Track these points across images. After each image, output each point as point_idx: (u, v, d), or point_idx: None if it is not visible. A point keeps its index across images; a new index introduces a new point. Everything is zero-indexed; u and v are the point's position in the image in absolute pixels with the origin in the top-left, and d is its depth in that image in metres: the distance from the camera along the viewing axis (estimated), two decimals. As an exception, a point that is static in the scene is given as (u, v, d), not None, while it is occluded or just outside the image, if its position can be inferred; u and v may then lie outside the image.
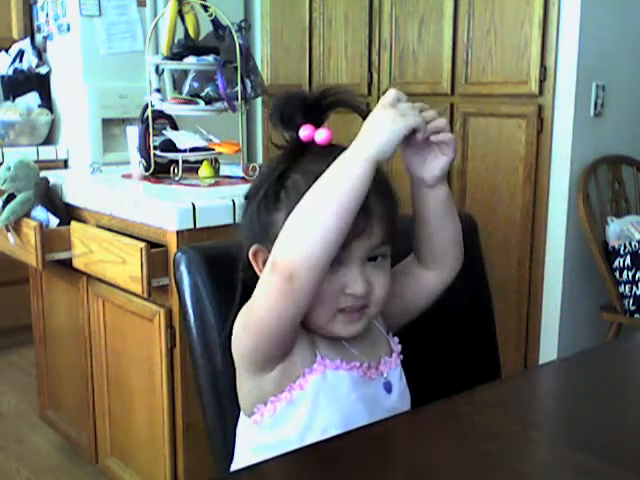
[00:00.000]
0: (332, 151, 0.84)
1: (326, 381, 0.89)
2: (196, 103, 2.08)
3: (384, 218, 0.88)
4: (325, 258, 0.79)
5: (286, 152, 0.91)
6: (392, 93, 0.83)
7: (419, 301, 1.01)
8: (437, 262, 0.97)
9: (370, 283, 0.88)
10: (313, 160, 0.87)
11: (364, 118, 0.85)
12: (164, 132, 2.11)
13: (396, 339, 1.01)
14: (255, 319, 0.85)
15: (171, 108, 2.11)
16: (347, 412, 0.89)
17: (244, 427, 0.95)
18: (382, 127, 0.80)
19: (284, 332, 0.85)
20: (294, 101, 0.88)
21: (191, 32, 2.12)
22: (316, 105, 0.88)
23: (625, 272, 2.42)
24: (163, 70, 2.17)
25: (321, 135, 0.87)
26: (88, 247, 1.92)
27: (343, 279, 0.87)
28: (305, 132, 0.88)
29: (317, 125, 0.88)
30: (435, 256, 0.97)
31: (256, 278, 0.87)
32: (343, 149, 0.84)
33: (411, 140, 0.84)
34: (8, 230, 2.11)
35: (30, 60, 3.50)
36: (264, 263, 0.88)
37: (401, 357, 0.99)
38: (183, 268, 1.02)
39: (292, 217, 0.80)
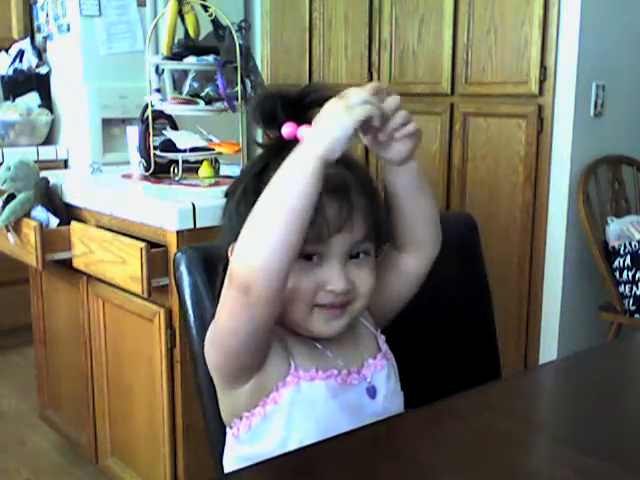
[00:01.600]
0: None
1: (301, 393, 0.86)
2: (196, 103, 2.08)
3: (366, 213, 0.86)
4: (282, 267, 0.76)
5: (267, 149, 0.89)
6: (352, 89, 0.78)
7: (403, 290, 0.98)
8: (415, 243, 0.94)
9: (352, 280, 0.86)
10: None
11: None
12: (164, 132, 2.10)
13: (383, 337, 0.98)
14: (220, 333, 0.83)
15: (171, 108, 2.11)
16: (326, 423, 0.86)
17: (227, 437, 0.94)
18: (329, 123, 0.76)
19: (250, 345, 0.82)
20: (275, 98, 0.86)
21: (191, 32, 2.12)
22: (298, 102, 0.86)
23: (625, 272, 2.42)
24: (163, 70, 2.17)
25: (303, 132, 0.85)
26: (88, 247, 1.92)
27: (323, 275, 0.84)
28: (287, 129, 0.86)
29: (300, 123, 0.86)
30: (412, 237, 0.94)
31: None
32: None
33: (368, 131, 0.81)
34: (8, 230, 2.11)
35: (30, 60, 3.50)
36: None
37: (389, 356, 0.96)
38: (183, 268, 1.02)
39: (246, 225, 0.77)
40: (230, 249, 0.88)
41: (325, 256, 0.85)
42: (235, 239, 0.87)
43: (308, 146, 0.76)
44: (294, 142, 0.85)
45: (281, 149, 0.86)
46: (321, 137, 0.76)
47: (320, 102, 0.87)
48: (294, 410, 0.86)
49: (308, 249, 0.83)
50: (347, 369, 0.90)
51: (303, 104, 0.87)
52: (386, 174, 0.90)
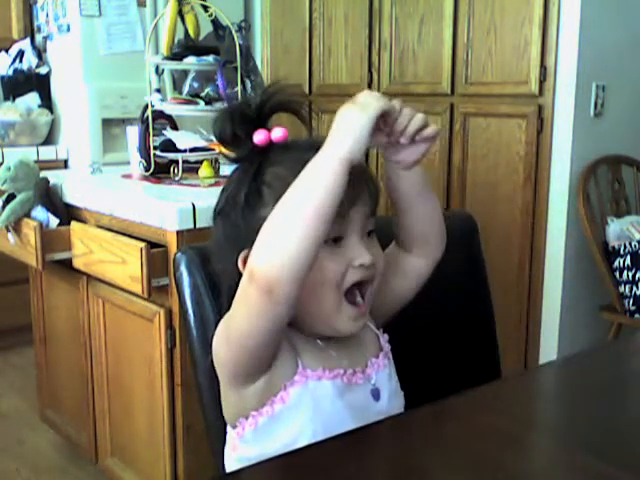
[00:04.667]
0: (294, 143, 0.85)
1: (308, 392, 0.87)
2: (196, 103, 2.08)
3: (369, 185, 0.88)
4: (304, 268, 0.77)
5: (246, 159, 0.89)
6: (363, 92, 0.81)
7: (405, 290, 0.99)
8: (421, 244, 0.96)
9: (373, 255, 0.87)
10: (283, 152, 0.87)
11: (300, 118, 0.88)
12: (164, 132, 2.10)
13: (386, 336, 0.99)
14: (236, 333, 0.83)
15: (171, 108, 2.11)
16: (332, 422, 0.87)
17: (230, 437, 0.93)
18: (348, 125, 0.78)
19: (266, 344, 0.83)
20: (230, 120, 0.87)
21: (191, 32, 2.12)
22: (257, 115, 0.88)
23: (625, 272, 2.42)
24: (163, 70, 2.17)
25: (277, 133, 0.88)
26: (88, 247, 1.92)
27: (349, 252, 0.86)
28: (260, 136, 0.87)
29: (265, 126, 0.88)
30: (418, 238, 0.96)
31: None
32: (306, 141, 0.87)
33: (383, 132, 0.82)
34: (8, 230, 2.11)
35: (30, 60, 3.50)
36: None
37: (390, 355, 0.97)
38: (183, 268, 1.02)
39: (269, 223, 0.78)
40: (241, 258, 0.88)
41: (347, 234, 0.86)
42: (244, 248, 0.87)
43: (332, 149, 0.77)
44: (271, 145, 0.88)
45: (262, 153, 0.88)
46: (343, 140, 0.77)
47: (280, 108, 0.89)
48: (302, 409, 0.87)
49: (332, 231, 0.83)
50: (352, 369, 0.91)
51: (263, 114, 0.88)
52: (390, 176, 0.92)
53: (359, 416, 0.88)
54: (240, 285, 0.81)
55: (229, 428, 0.93)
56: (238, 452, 0.91)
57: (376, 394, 0.92)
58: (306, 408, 0.87)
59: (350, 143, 0.77)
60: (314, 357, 0.89)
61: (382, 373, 0.94)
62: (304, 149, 0.86)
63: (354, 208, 0.85)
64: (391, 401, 0.94)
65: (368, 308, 0.90)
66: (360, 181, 0.86)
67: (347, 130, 0.77)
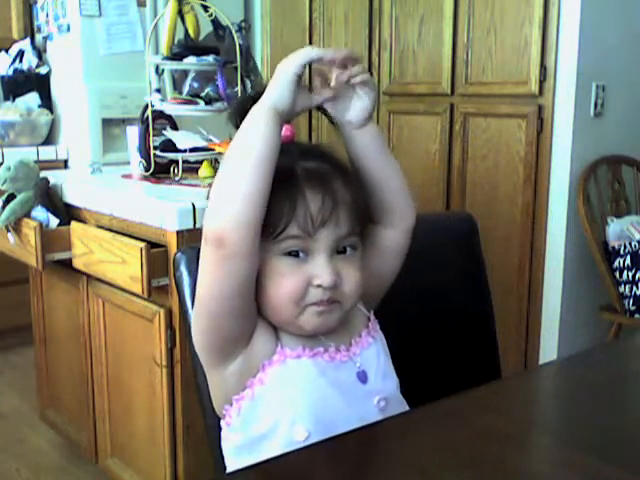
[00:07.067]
0: (288, 147, 0.85)
1: (288, 372, 0.85)
2: (196, 103, 2.08)
3: (351, 207, 0.86)
4: (251, 214, 0.78)
5: None
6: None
7: (387, 266, 0.97)
8: (388, 213, 0.94)
9: (340, 275, 0.85)
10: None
11: (325, 114, 0.88)
12: (164, 132, 2.10)
13: (374, 319, 0.97)
14: (202, 301, 0.84)
15: (171, 108, 2.11)
16: (317, 400, 0.86)
17: (223, 432, 0.93)
18: (275, 76, 0.84)
19: (232, 307, 0.82)
20: (252, 100, 0.87)
21: (191, 32, 2.12)
22: None
23: (625, 272, 2.42)
24: (163, 70, 2.17)
25: (283, 132, 0.87)
26: (88, 247, 1.92)
27: (310, 270, 0.84)
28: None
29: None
30: (385, 206, 0.93)
31: None
32: (299, 146, 0.88)
33: (322, 84, 0.87)
34: (8, 230, 2.11)
35: (30, 60, 3.50)
36: None
37: (375, 334, 0.95)
38: (183, 268, 1.02)
39: (213, 184, 0.82)
40: None
41: (311, 251, 0.84)
42: None
43: (260, 101, 0.83)
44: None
45: None
46: (269, 89, 0.83)
47: None
48: (282, 389, 0.85)
49: (294, 245, 0.84)
50: (335, 347, 0.89)
51: None
52: (349, 143, 0.92)
53: (345, 394, 0.87)
54: (200, 257, 0.83)
55: (222, 422, 0.93)
56: (229, 442, 0.91)
57: (362, 377, 0.90)
58: (287, 388, 0.85)
59: (274, 93, 0.83)
60: (295, 338, 0.87)
61: (368, 351, 0.92)
62: (294, 153, 0.86)
63: (324, 228, 0.83)
64: (380, 380, 0.92)
65: (339, 312, 0.87)
66: (336, 203, 0.84)
67: (274, 79, 0.84)
